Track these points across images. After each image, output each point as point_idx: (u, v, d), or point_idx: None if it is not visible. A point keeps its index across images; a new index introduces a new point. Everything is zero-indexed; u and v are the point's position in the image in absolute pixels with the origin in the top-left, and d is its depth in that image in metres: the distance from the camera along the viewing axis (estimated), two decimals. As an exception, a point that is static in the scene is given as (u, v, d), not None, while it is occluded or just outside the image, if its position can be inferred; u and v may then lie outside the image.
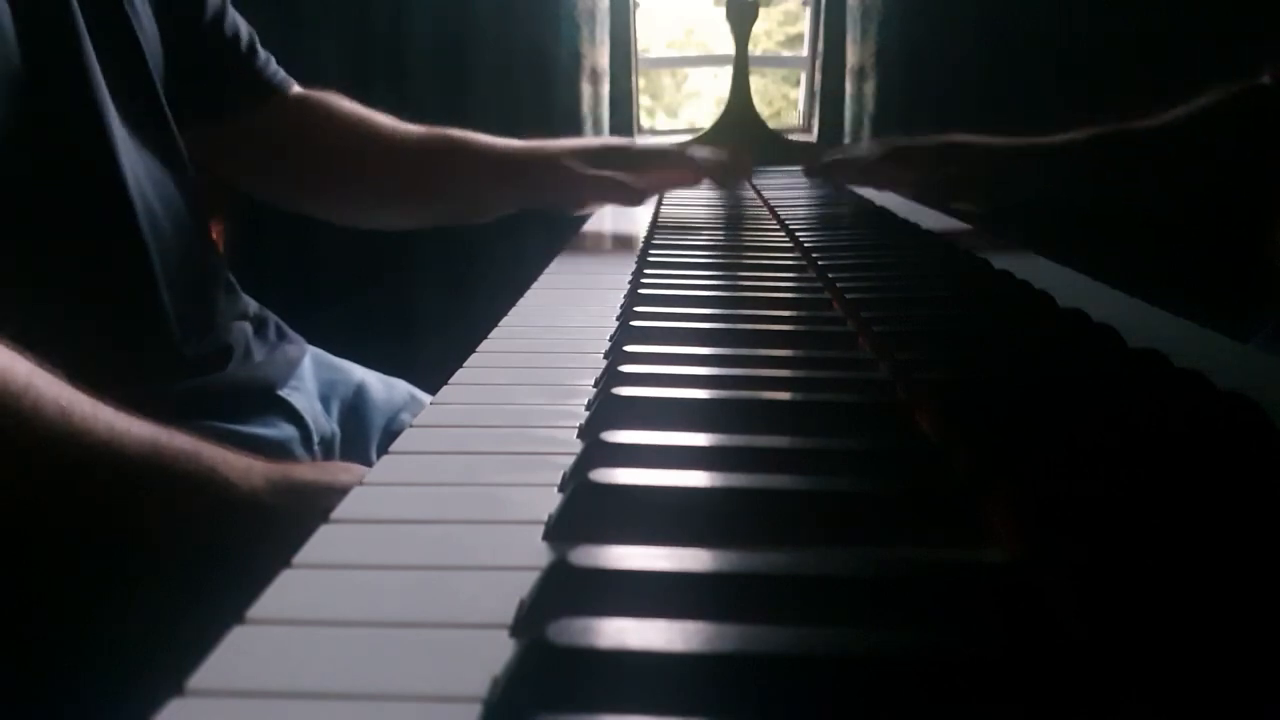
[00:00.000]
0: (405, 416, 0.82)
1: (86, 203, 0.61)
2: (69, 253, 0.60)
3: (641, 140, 0.92)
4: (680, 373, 0.41)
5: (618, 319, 0.54)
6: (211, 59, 0.79)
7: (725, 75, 1.49)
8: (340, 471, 0.56)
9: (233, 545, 0.48)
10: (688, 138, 1.50)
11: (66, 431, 0.46)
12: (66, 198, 0.60)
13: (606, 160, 0.85)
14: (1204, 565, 0.25)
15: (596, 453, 0.32)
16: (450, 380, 0.45)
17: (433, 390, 0.45)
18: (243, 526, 0.50)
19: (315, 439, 0.73)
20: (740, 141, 1.45)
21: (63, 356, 0.47)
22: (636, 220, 0.94)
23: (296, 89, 0.87)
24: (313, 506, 0.30)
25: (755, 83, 1.52)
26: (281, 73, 0.86)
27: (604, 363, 0.46)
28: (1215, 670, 0.21)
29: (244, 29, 0.83)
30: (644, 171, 0.87)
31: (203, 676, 0.22)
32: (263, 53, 0.84)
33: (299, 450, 0.71)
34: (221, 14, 0.80)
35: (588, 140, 0.92)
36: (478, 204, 0.91)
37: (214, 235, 0.78)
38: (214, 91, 0.79)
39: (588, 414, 0.39)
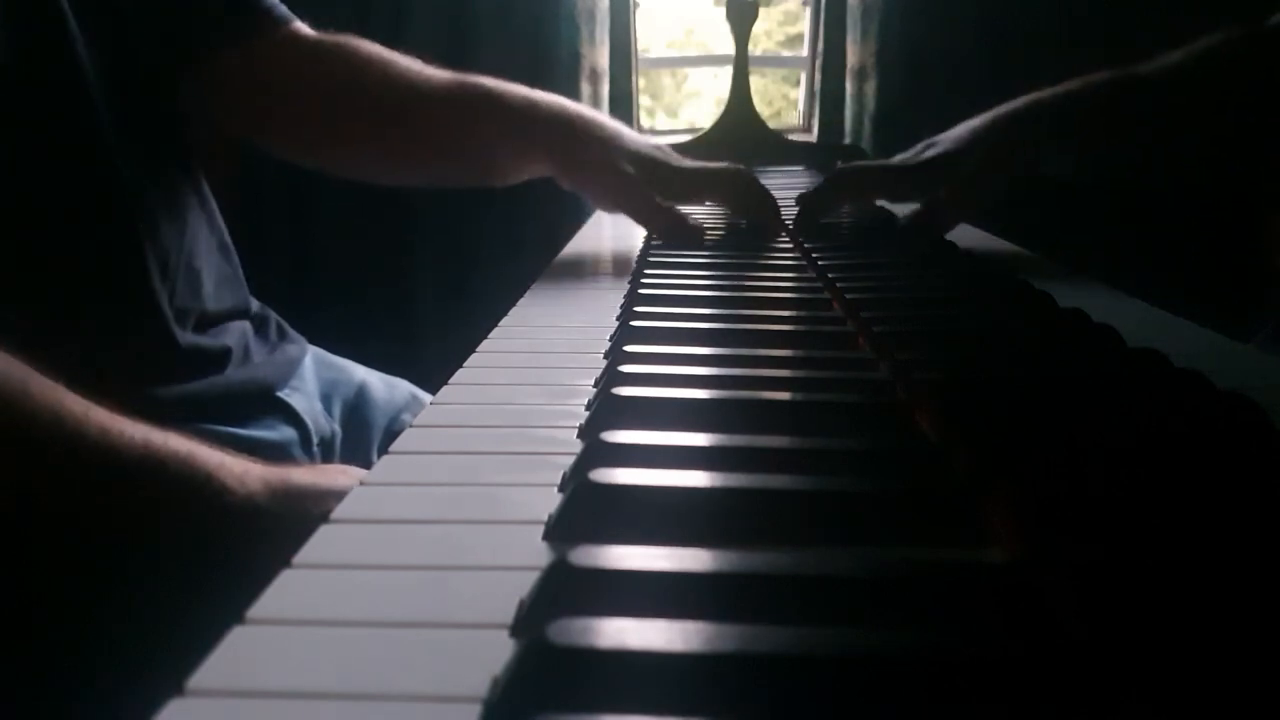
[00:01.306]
0: (406, 417, 0.82)
1: (75, 193, 0.61)
2: (63, 249, 0.60)
3: (690, 162, 0.76)
4: (680, 373, 0.41)
5: (618, 319, 0.54)
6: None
7: (725, 75, 1.49)
8: (338, 475, 0.56)
9: (228, 549, 0.48)
10: (687, 138, 1.50)
11: (60, 436, 0.46)
12: (55, 188, 0.59)
13: (663, 181, 0.74)
14: (1204, 565, 0.25)
15: (596, 453, 0.32)
16: (450, 380, 0.45)
17: (434, 390, 0.45)
18: (238, 530, 0.50)
19: (315, 441, 0.73)
20: (740, 141, 1.45)
21: (57, 352, 0.47)
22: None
23: (301, 25, 0.79)
24: (310, 510, 0.30)
25: (755, 83, 1.52)
26: (284, 9, 0.78)
27: (604, 363, 0.46)
28: (1215, 670, 0.21)
29: None
30: (696, 200, 0.79)
31: (203, 676, 0.22)
32: None
33: (298, 453, 0.71)
34: None
35: (645, 148, 0.75)
36: (496, 165, 0.79)
37: (215, 223, 0.76)
38: (212, 16, 0.72)
39: (588, 414, 0.39)
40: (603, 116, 0.78)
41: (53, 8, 0.59)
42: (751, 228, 0.79)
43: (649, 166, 0.74)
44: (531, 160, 0.76)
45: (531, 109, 0.76)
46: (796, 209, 0.81)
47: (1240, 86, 0.75)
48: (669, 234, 0.73)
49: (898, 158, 0.81)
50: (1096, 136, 0.75)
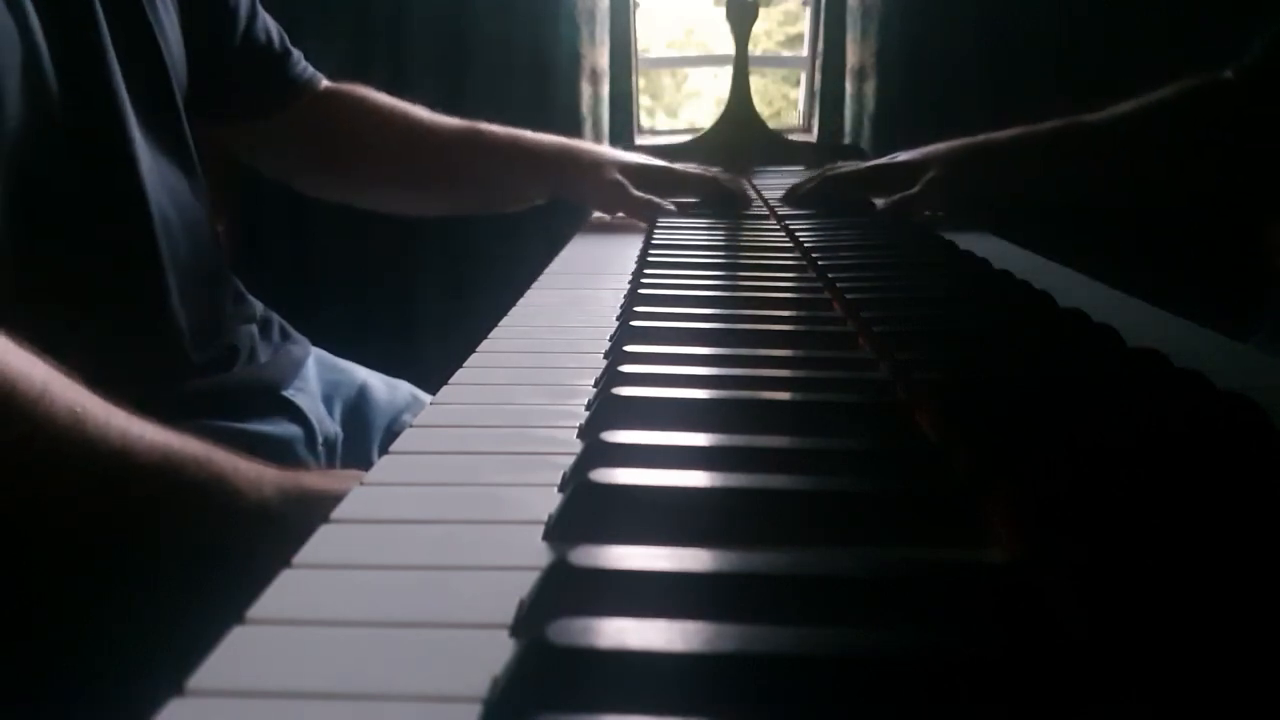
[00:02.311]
0: (407, 417, 0.82)
1: (106, 211, 0.61)
2: (86, 259, 0.61)
3: (680, 166, 0.98)
4: (680, 373, 0.41)
5: (618, 319, 0.54)
6: (245, 66, 0.81)
7: (725, 75, 1.49)
8: (351, 479, 0.56)
9: (240, 552, 0.48)
10: (688, 138, 1.50)
11: (79, 436, 0.46)
12: (87, 206, 0.60)
13: (648, 179, 0.92)
14: (1204, 565, 0.25)
15: (596, 453, 0.32)
16: (450, 380, 0.45)
17: (434, 390, 0.45)
18: (251, 535, 0.50)
19: (320, 439, 0.74)
20: (740, 141, 1.45)
21: (74, 359, 0.48)
22: (636, 220, 0.94)
23: (325, 83, 0.89)
24: (322, 515, 0.30)
25: (755, 83, 1.52)
26: (310, 69, 0.88)
27: (604, 363, 0.46)
28: (1215, 670, 0.21)
29: (274, 31, 0.84)
30: (675, 193, 0.93)
31: (203, 676, 0.22)
32: (294, 51, 0.86)
33: (303, 450, 0.71)
34: (253, 19, 0.81)
35: (631, 156, 0.95)
36: (508, 195, 0.97)
37: (216, 237, 0.78)
38: (249, 96, 0.83)
39: (588, 414, 0.39)
40: (594, 145, 0.99)
41: (93, 31, 0.60)
42: (726, 200, 0.96)
43: (636, 170, 0.92)
44: (535, 186, 0.94)
45: (535, 144, 0.93)
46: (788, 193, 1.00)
47: (1182, 133, 0.89)
48: (656, 214, 0.89)
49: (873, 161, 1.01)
50: (1039, 167, 0.93)
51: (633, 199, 0.90)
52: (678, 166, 0.97)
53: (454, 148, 0.91)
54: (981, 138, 0.94)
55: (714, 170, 1.02)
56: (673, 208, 0.91)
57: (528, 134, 0.93)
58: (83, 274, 0.60)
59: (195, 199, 0.69)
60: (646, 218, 0.89)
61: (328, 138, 0.89)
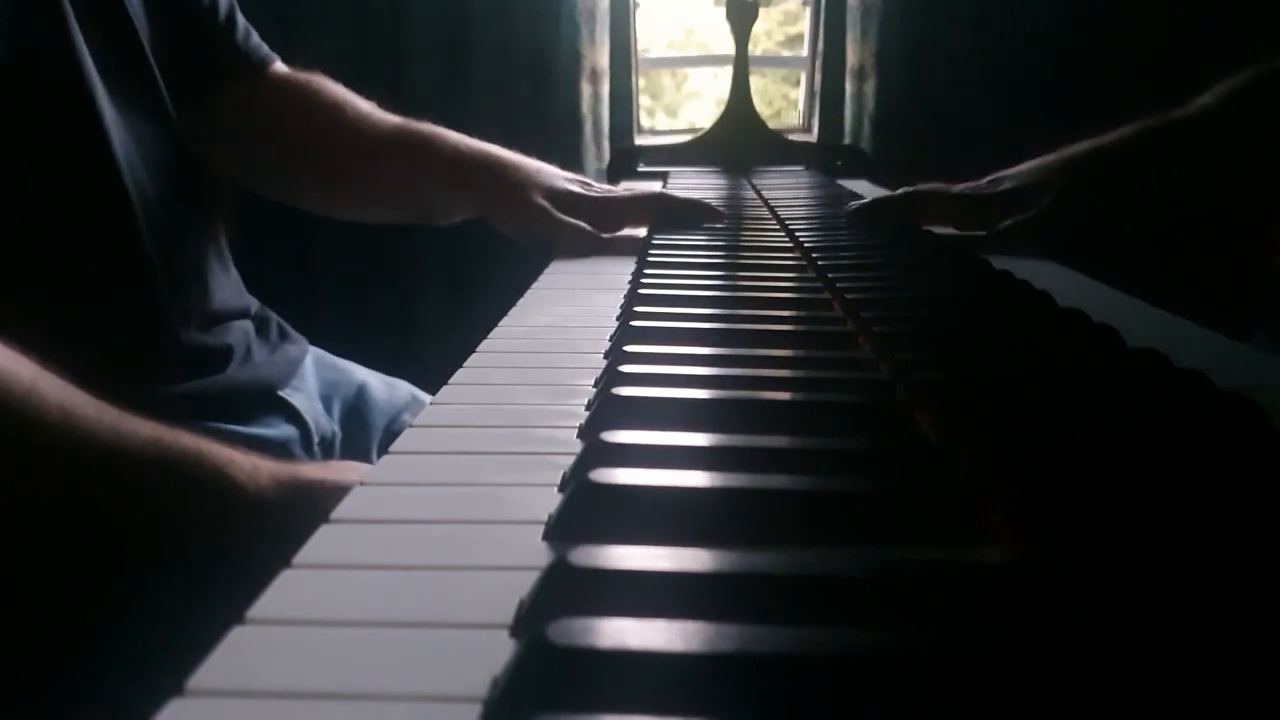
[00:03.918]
0: (407, 417, 0.82)
1: (78, 189, 0.61)
2: (66, 247, 0.60)
3: (624, 186, 0.87)
4: (680, 373, 0.41)
5: (618, 319, 0.54)
6: (190, 33, 0.74)
7: (725, 75, 1.49)
8: (348, 471, 0.56)
9: (238, 546, 0.48)
10: (688, 138, 1.50)
11: (69, 434, 0.46)
12: (58, 185, 0.60)
13: (575, 208, 0.81)
14: (1204, 565, 0.25)
15: (596, 453, 0.32)
16: (450, 380, 0.45)
17: (434, 390, 0.45)
18: (248, 527, 0.50)
19: (316, 439, 0.73)
20: (740, 141, 1.45)
21: (61, 350, 0.47)
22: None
23: (279, 66, 0.83)
24: (320, 507, 0.30)
25: (755, 83, 1.52)
26: (263, 47, 0.82)
27: (604, 363, 0.46)
28: (1215, 670, 0.21)
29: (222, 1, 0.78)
30: (611, 224, 0.82)
31: (203, 676, 0.22)
32: (242, 24, 0.80)
33: (299, 451, 0.71)
34: None
35: (559, 181, 0.83)
36: (434, 207, 0.86)
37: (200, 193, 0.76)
38: (193, 67, 0.74)
39: (588, 414, 0.39)
40: (524, 160, 0.84)
41: (54, 8, 0.59)
42: (678, 216, 0.85)
43: (566, 197, 0.81)
44: (460, 203, 0.84)
45: (459, 157, 0.83)
46: (862, 208, 0.85)
47: (1266, 121, 0.79)
48: (574, 248, 0.79)
49: (962, 187, 0.84)
50: (1153, 186, 0.80)
51: (556, 229, 0.79)
52: (618, 192, 0.86)
53: (389, 152, 0.83)
54: (1072, 149, 0.81)
55: (654, 187, 0.90)
56: (604, 239, 0.80)
57: (463, 141, 0.84)
58: (64, 266, 0.60)
59: (177, 174, 0.68)
60: (571, 251, 0.78)
61: (271, 127, 0.81)
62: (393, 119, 0.84)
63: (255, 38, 0.81)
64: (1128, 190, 0.80)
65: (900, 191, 0.85)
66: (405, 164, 0.83)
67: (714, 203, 0.88)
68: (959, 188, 0.84)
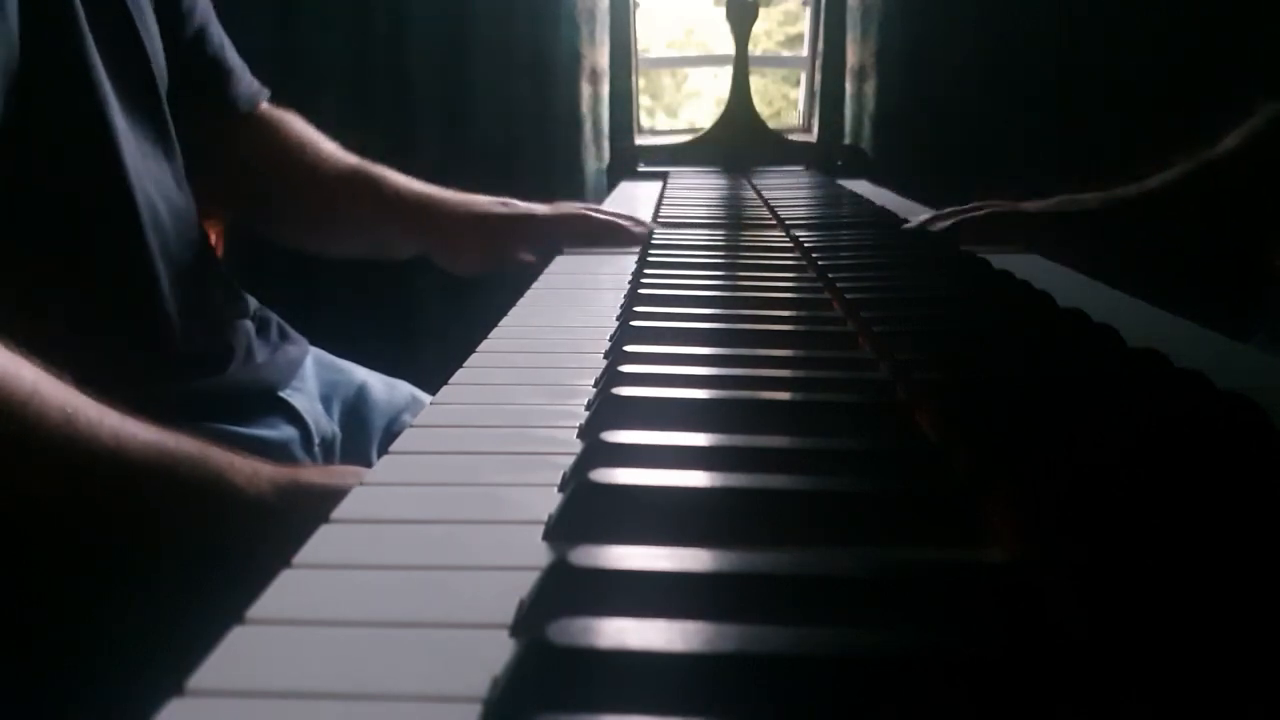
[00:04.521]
0: (407, 417, 0.82)
1: (89, 198, 0.61)
2: (71, 248, 0.60)
3: (559, 206, 0.89)
4: (680, 373, 0.41)
5: (618, 319, 0.54)
6: (195, 73, 0.77)
7: (725, 75, 1.49)
8: (349, 475, 0.56)
9: (238, 550, 0.48)
10: (688, 138, 1.50)
11: (71, 436, 0.46)
12: (69, 193, 0.60)
13: (514, 230, 0.86)
14: (1204, 565, 0.25)
15: (596, 453, 0.32)
16: (450, 380, 0.45)
17: (434, 390, 0.45)
18: (248, 531, 0.50)
19: (316, 440, 0.73)
20: (740, 141, 1.45)
21: (64, 353, 0.47)
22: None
23: (264, 105, 0.86)
24: (319, 511, 0.30)
25: (755, 83, 1.52)
26: (255, 84, 0.85)
27: (604, 363, 0.46)
28: (1215, 670, 0.21)
29: (227, 45, 0.81)
30: (541, 239, 0.86)
31: (203, 676, 0.22)
32: (236, 70, 0.82)
33: (299, 452, 0.71)
34: (205, 27, 0.78)
35: (483, 206, 0.88)
36: (385, 245, 0.92)
37: (214, 234, 0.77)
38: (194, 103, 0.76)
39: (588, 414, 0.39)
40: (458, 200, 0.89)
41: (69, 13, 0.59)
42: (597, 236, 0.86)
43: (489, 229, 0.86)
44: (409, 242, 0.90)
45: (399, 200, 0.88)
46: (934, 223, 0.83)
47: None
48: (514, 267, 0.84)
49: (1034, 206, 0.83)
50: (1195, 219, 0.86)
51: (489, 258, 0.86)
52: (539, 210, 0.88)
53: (343, 194, 0.87)
54: (1130, 189, 0.84)
55: (577, 206, 0.92)
56: (531, 258, 0.84)
57: (405, 185, 0.88)
58: (67, 264, 0.60)
59: (180, 187, 0.69)
60: (511, 268, 0.83)
61: (249, 163, 0.85)
62: (349, 161, 0.89)
63: (248, 76, 0.84)
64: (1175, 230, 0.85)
65: (984, 213, 0.83)
66: (356, 205, 0.88)
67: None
68: (1031, 206, 0.83)
